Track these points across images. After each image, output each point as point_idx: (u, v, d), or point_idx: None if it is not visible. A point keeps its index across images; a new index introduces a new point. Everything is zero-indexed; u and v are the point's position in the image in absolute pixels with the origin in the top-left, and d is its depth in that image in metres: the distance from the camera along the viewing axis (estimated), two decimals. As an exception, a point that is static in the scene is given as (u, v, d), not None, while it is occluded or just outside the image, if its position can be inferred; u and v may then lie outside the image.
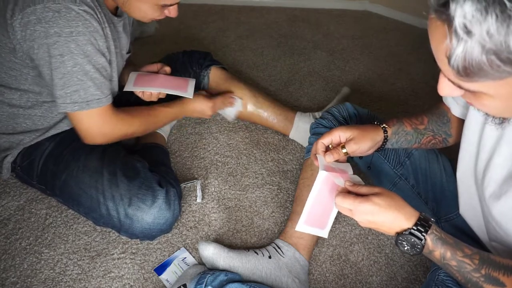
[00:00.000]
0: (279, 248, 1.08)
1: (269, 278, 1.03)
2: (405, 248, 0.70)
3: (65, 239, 1.16)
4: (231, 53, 2.05)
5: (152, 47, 2.07)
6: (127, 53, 1.21)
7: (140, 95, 1.21)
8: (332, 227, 1.22)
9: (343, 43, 2.18)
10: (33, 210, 1.23)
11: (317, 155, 0.85)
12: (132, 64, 1.33)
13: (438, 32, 0.51)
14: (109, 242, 1.16)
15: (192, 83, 1.26)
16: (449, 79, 0.56)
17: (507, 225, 0.72)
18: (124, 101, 1.18)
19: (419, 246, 0.68)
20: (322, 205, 0.81)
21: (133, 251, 1.14)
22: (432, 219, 0.69)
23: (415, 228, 0.68)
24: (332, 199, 0.79)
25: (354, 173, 0.83)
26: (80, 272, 1.09)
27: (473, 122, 0.78)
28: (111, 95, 1.04)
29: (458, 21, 0.47)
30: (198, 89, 1.43)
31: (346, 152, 0.85)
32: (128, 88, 1.18)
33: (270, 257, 1.06)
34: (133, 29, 1.29)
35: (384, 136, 0.89)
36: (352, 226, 1.23)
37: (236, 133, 1.54)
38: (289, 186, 1.35)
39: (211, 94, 1.38)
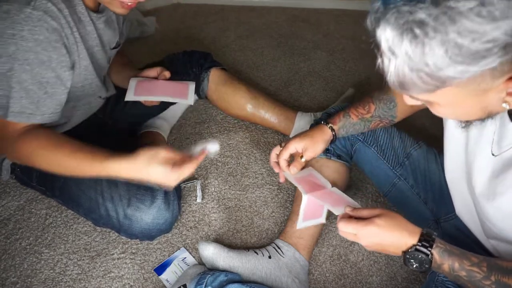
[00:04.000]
0: (279, 248, 1.08)
1: (269, 278, 1.03)
2: (414, 266, 0.70)
3: (65, 239, 1.16)
4: (231, 53, 2.05)
5: (152, 47, 2.07)
6: (115, 47, 1.18)
7: (141, 100, 1.21)
8: (332, 227, 1.22)
9: (343, 43, 2.17)
10: (33, 210, 1.23)
11: (283, 172, 0.96)
12: (126, 58, 1.31)
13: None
14: (109, 242, 1.16)
15: (192, 87, 1.25)
16: None
17: (501, 223, 0.73)
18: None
19: (426, 261, 0.69)
20: (314, 205, 0.91)
21: (133, 251, 1.14)
22: (435, 233, 0.70)
23: (420, 244, 0.69)
24: (320, 196, 0.90)
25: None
26: (80, 272, 1.09)
27: (452, 126, 0.82)
28: (52, 115, 0.94)
29: (383, 45, 0.54)
30: (198, 88, 1.43)
31: (306, 160, 0.96)
32: (128, 97, 1.17)
33: (270, 257, 1.06)
34: (126, 26, 1.28)
35: (332, 134, 0.99)
36: (352, 226, 1.23)
37: (236, 133, 1.54)
38: (289, 186, 1.35)
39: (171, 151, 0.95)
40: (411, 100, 0.65)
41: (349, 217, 0.76)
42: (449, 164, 0.87)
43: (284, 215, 1.26)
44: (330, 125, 0.99)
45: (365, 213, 0.75)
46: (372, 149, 1.10)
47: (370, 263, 1.14)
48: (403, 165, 1.07)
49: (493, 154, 0.71)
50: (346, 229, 0.74)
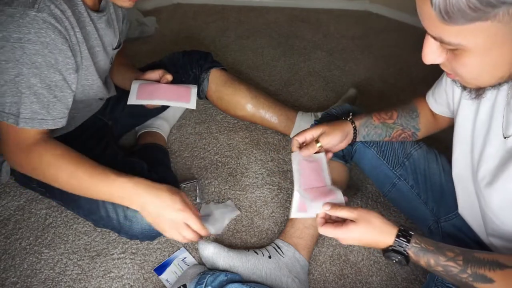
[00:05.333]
0: (279, 248, 1.08)
1: (269, 278, 1.03)
2: (394, 262, 0.75)
3: (65, 239, 1.16)
4: (231, 53, 2.05)
5: (152, 47, 2.07)
6: (116, 48, 1.18)
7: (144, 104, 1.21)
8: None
9: (343, 43, 2.18)
10: (33, 210, 1.23)
11: (292, 152, 0.95)
12: (126, 58, 1.31)
13: None
14: (109, 242, 1.16)
15: (194, 91, 1.24)
16: (432, 36, 0.60)
17: (503, 211, 0.74)
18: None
19: (403, 260, 0.73)
20: (312, 189, 0.88)
21: (133, 251, 1.14)
22: (411, 232, 0.74)
23: (396, 245, 0.73)
24: (311, 193, 0.87)
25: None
26: (80, 272, 1.09)
27: (464, 120, 0.81)
28: (62, 119, 0.94)
29: None
30: (198, 89, 1.43)
31: (321, 146, 0.93)
32: (131, 101, 1.17)
33: (270, 257, 1.06)
34: (125, 25, 1.28)
35: (353, 127, 0.97)
36: (352, 226, 1.23)
37: (236, 133, 1.54)
38: (289, 186, 1.35)
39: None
40: (432, 56, 0.62)
41: (329, 218, 0.81)
42: (458, 160, 0.87)
43: (284, 215, 1.26)
44: (350, 118, 0.99)
45: (342, 214, 0.78)
46: (372, 149, 1.10)
47: (370, 263, 1.14)
48: (403, 166, 1.07)
49: (504, 137, 0.72)
50: (327, 235, 0.78)
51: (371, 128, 1.00)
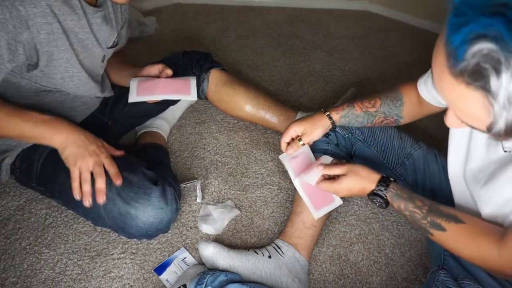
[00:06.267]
0: (279, 248, 1.08)
1: (269, 277, 1.03)
2: (377, 205, 0.88)
3: (65, 239, 1.16)
4: (231, 53, 2.05)
5: (152, 47, 2.07)
6: (112, 47, 1.17)
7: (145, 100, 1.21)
8: (332, 227, 1.22)
9: (343, 43, 2.18)
10: (33, 210, 1.23)
11: (279, 156, 1.06)
12: (125, 57, 1.31)
13: (466, 93, 0.52)
14: (109, 242, 1.16)
15: (193, 82, 1.26)
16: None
17: (498, 212, 0.76)
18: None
19: (383, 202, 0.86)
20: (315, 190, 0.99)
21: (133, 251, 1.14)
22: (391, 179, 0.86)
23: (377, 189, 0.86)
24: (307, 172, 0.99)
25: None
26: (80, 272, 1.09)
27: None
28: None
29: (502, 93, 0.49)
30: (198, 89, 1.43)
31: (303, 143, 1.03)
32: (132, 99, 1.18)
33: (270, 256, 1.06)
34: (125, 31, 1.28)
35: (330, 122, 1.04)
36: (352, 226, 1.23)
37: (236, 133, 1.54)
38: (289, 186, 1.35)
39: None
40: (457, 124, 0.62)
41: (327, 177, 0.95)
42: (452, 161, 0.89)
43: (284, 215, 1.26)
44: (327, 113, 1.04)
45: (337, 171, 0.92)
46: (372, 149, 1.10)
47: (370, 263, 1.14)
48: (403, 165, 1.07)
49: (504, 151, 0.73)
50: (323, 188, 0.93)
51: (352, 118, 1.04)
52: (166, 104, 1.42)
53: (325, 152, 1.10)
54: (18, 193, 1.28)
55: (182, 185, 1.30)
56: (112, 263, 1.11)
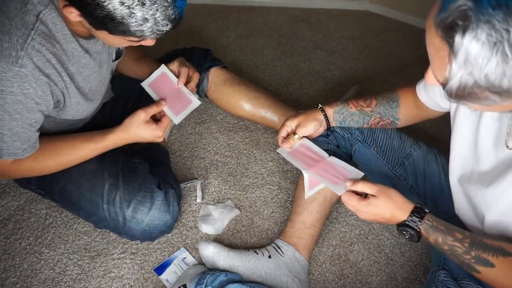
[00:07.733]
0: (279, 248, 1.08)
1: (269, 277, 1.03)
2: (407, 237, 0.80)
3: (65, 239, 1.16)
4: (231, 53, 2.05)
5: (152, 47, 2.06)
6: (117, 59, 1.15)
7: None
8: (332, 227, 1.22)
9: (343, 43, 2.18)
10: (33, 210, 1.23)
11: (277, 150, 1.04)
12: (143, 51, 1.29)
13: (439, 47, 0.54)
14: (109, 242, 1.16)
15: (186, 90, 1.14)
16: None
17: (502, 217, 0.75)
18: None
19: (415, 236, 0.78)
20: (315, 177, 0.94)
21: (133, 251, 1.14)
22: (426, 210, 0.79)
23: (409, 220, 0.78)
24: (319, 171, 0.95)
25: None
26: (80, 272, 1.09)
27: (464, 124, 0.82)
28: (36, 143, 0.98)
29: (461, 54, 0.50)
30: (198, 88, 1.42)
31: (299, 137, 1.02)
32: (145, 83, 1.13)
33: (270, 256, 1.06)
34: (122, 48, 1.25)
35: (323, 114, 1.03)
36: (352, 226, 1.23)
37: (236, 133, 1.54)
38: (289, 186, 1.35)
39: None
40: (435, 81, 0.61)
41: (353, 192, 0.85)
42: (453, 160, 0.88)
43: (284, 215, 1.26)
44: (320, 106, 1.04)
45: (367, 189, 0.82)
46: (372, 149, 1.10)
47: (370, 263, 1.14)
48: (402, 166, 1.07)
49: (507, 147, 0.73)
50: (349, 202, 0.83)
51: (347, 115, 1.03)
52: None
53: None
54: (18, 193, 1.28)
55: (182, 185, 1.30)
56: (112, 263, 1.11)
